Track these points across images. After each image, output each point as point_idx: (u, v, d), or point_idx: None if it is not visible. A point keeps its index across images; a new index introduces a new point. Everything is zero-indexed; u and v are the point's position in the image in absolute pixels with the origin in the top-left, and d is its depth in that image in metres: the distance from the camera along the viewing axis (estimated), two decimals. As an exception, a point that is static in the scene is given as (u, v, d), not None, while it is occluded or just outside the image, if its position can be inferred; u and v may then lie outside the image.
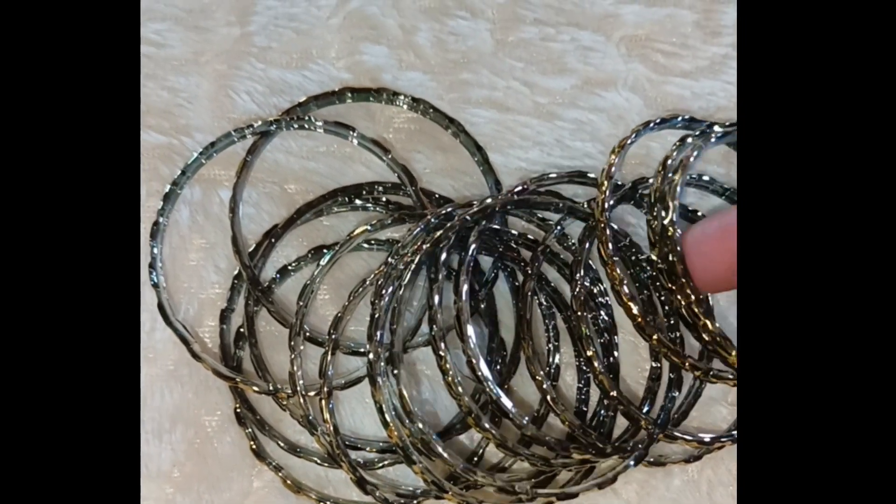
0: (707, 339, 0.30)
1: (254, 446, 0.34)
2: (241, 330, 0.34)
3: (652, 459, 0.34)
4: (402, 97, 0.35)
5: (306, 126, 0.35)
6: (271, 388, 0.33)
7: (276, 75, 0.35)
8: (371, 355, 0.31)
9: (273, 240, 0.35)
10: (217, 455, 0.34)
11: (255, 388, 0.33)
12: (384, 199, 0.35)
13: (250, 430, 0.34)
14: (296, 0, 0.35)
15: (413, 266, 0.32)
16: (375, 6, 0.35)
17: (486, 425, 0.31)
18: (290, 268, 0.35)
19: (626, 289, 0.30)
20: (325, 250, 0.35)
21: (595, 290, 0.34)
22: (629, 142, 0.32)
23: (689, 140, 0.33)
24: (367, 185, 0.35)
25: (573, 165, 0.35)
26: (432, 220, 0.32)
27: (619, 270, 0.30)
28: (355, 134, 0.34)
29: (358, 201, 0.35)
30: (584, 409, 0.34)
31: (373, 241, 0.35)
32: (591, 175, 0.35)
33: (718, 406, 0.35)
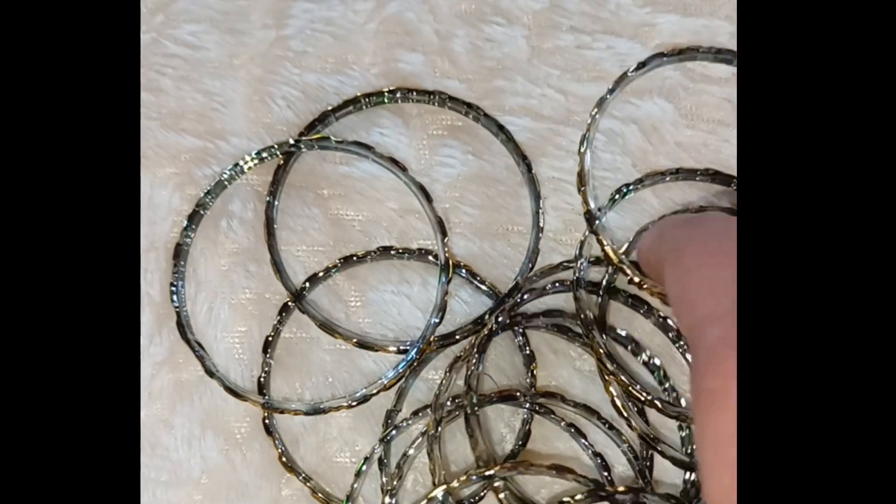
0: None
1: (283, 458, 0.33)
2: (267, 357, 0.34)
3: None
4: (414, 93, 0.35)
5: (327, 147, 0.34)
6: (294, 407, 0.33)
7: (312, 80, 0.35)
8: None
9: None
10: (246, 462, 0.34)
11: (268, 406, 0.33)
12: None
13: (279, 439, 0.34)
14: (332, 4, 0.35)
15: None
16: (412, 11, 0.35)
17: None
18: (319, 275, 0.34)
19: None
20: (354, 258, 0.34)
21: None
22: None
23: None
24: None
25: (604, 176, 0.35)
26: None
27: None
28: (372, 153, 0.34)
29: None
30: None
31: (403, 251, 0.35)
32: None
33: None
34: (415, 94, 0.35)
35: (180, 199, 0.34)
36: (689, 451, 0.34)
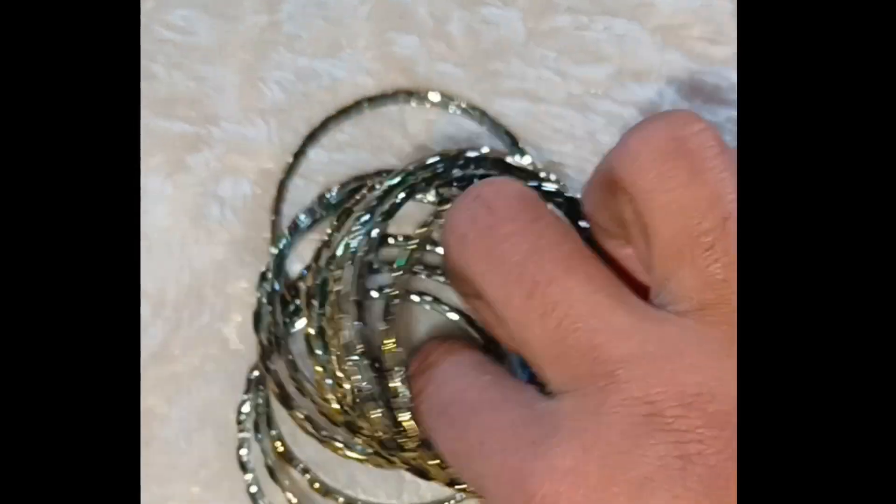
0: None
1: (280, 449, 0.33)
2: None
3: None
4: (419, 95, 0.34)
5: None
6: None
7: (305, 64, 0.35)
8: None
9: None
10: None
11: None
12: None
13: (276, 431, 0.33)
14: (326, -13, 0.35)
15: None
16: (406, -6, 0.35)
17: None
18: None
19: None
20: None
21: None
22: None
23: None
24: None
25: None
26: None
27: None
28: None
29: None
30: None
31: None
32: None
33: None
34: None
35: (173, 186, 0.34)
36: None
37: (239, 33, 0.35)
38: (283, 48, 0.35)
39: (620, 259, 0.25)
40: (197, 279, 0.34)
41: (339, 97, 0.35)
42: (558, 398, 0.22)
